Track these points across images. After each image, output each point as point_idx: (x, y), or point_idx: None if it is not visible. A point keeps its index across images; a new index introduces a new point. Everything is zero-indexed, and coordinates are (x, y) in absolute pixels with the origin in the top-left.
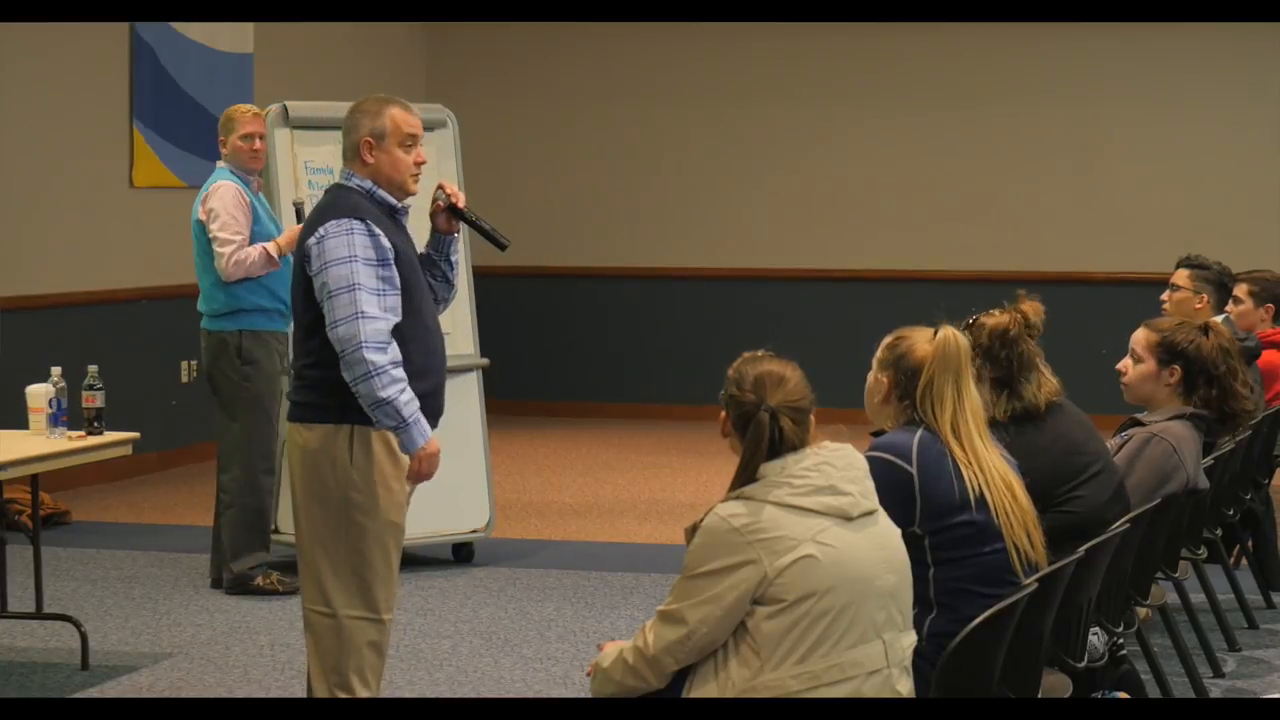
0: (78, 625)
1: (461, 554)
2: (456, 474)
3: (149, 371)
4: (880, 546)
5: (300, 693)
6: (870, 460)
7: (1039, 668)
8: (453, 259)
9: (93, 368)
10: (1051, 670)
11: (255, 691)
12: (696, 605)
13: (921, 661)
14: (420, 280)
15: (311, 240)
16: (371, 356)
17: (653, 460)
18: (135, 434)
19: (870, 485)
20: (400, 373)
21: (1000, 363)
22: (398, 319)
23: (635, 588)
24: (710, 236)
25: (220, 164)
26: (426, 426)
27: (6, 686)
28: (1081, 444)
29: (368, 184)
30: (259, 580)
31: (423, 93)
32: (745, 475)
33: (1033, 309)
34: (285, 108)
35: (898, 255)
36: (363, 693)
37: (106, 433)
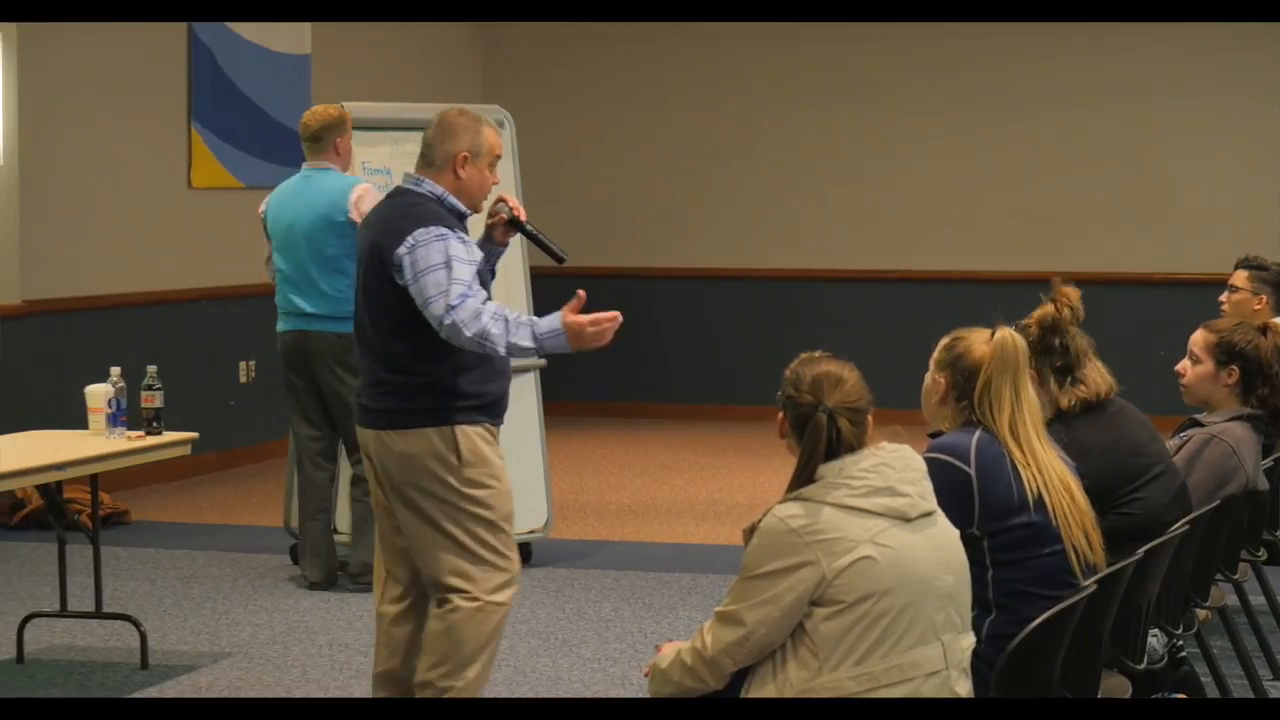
0: (137, 625)
1: (520, 554)
2: (515, 475)
3: (207, 372)
4: (939, 548)
5: (358, 692)
6: (928, 461)
7: (1098, 669)
8: (494, 269)
9: (152, 368)
10: (1111, 672)
11: (314, 691)
12: (755, 606)
13: (980, 663)
14: (488, 284)
15: (402, 249)
16: (484, 327)
17: (710, 461)
18: (194, 434)
19: (928, 486)
20: (518, 315)
21: (1057, 351)
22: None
23: (693, 588)
24: (769, 237)
25: (329, 164)
26: (543, 327)
27: (67, 685)
28: (1143, 445)
29: (439, 190)
30: None
31: (479, 93)
32: (803, 476)
33: (1072, 293)
34: (343, 108)
35: (956, 256)
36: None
37: (165, 433)
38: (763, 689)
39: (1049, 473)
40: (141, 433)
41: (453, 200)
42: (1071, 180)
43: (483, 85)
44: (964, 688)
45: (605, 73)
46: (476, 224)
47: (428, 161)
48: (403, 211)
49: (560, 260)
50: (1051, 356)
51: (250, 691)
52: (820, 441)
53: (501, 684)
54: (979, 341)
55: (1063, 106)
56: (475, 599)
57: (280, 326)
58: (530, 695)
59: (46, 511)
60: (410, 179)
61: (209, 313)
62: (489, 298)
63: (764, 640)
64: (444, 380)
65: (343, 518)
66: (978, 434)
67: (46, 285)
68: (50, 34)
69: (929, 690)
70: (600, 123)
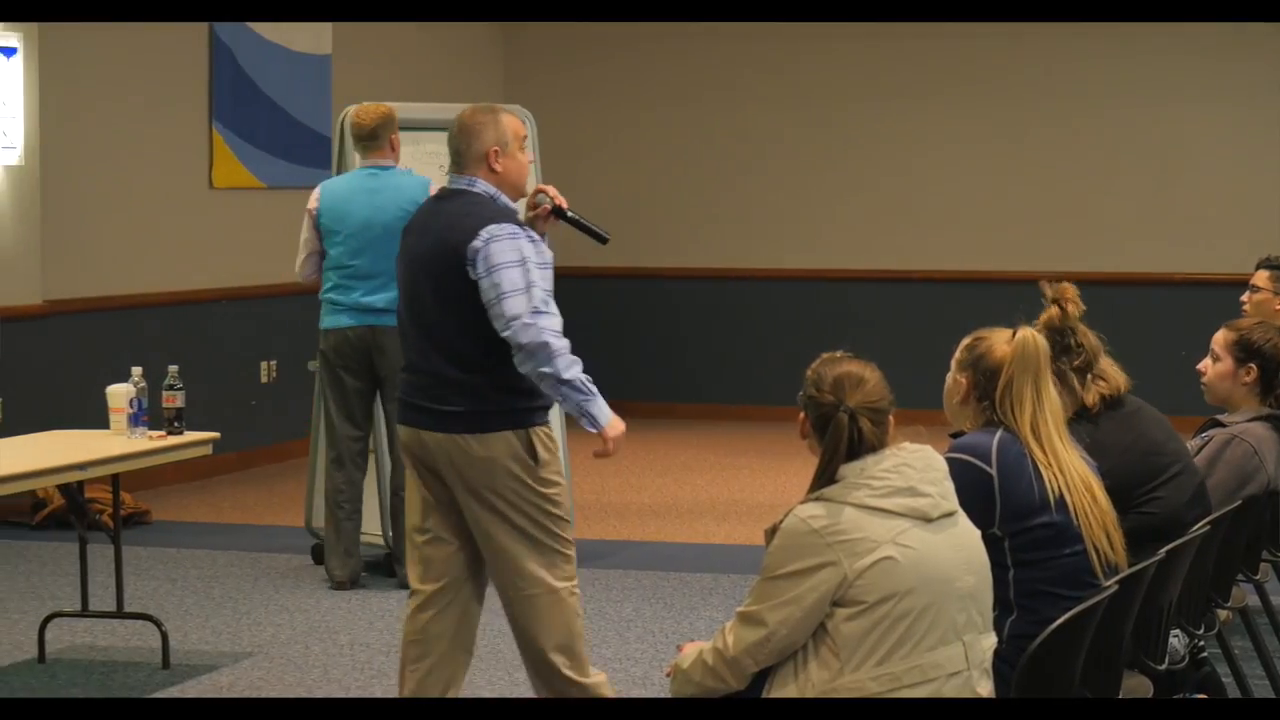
0: (158, 624)
1: None
2: None
3: (229, 372)
4: (960, 548)
5: (379, 692)
6: (950, 461)
7: (1119, 670)
8: None
9: (173, 368)
10: (1132, 672)
11: (335, 691)
12: (776, 607)
13: (1001, 663)
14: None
15: (477, 243)
16: (551, 340)
17: (731, 461)
18: (215, 434)
19: (950, 487)
20: (576, 357)
21: (1073, 350)
22: (561, 320)
23: (714, 588)
24: (790, 237)
25: (388, 162)
26: (594, 388)
27: (88, 685)
28: (1161, 444)
29: (491, 189)
30: None
31: (500, 93)
32: (824, 477)
33: (1069, 289)
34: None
35: (977, 256)
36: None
37: (186, 432)
38: (784, 689)
39: (1070, 473)
40: (163, 432)
41: (504, 199)
42: (1094, 181)
43: (503, 85)
44: (985, 688)
45: (625, 72)
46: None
47: (461, 166)
48: (468, 209)
49: (604, 241)
50: (1069, 356)
51: (272, 691)
52: (842, 442)
53: (523, 684)
54: (1000, 342)
55: (1086, 108)
56: (553, 589)
57: (336, 323)
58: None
59: (68, 511)
60: (461, 180)
61: (230, 313)
62: None
63: (785, 641)
64: (517, 380)
65: (371, 518)
66: (999, 434)
67: (68, 285)
68: (71, 34)
69: (950, 690)
70: (620, 122)
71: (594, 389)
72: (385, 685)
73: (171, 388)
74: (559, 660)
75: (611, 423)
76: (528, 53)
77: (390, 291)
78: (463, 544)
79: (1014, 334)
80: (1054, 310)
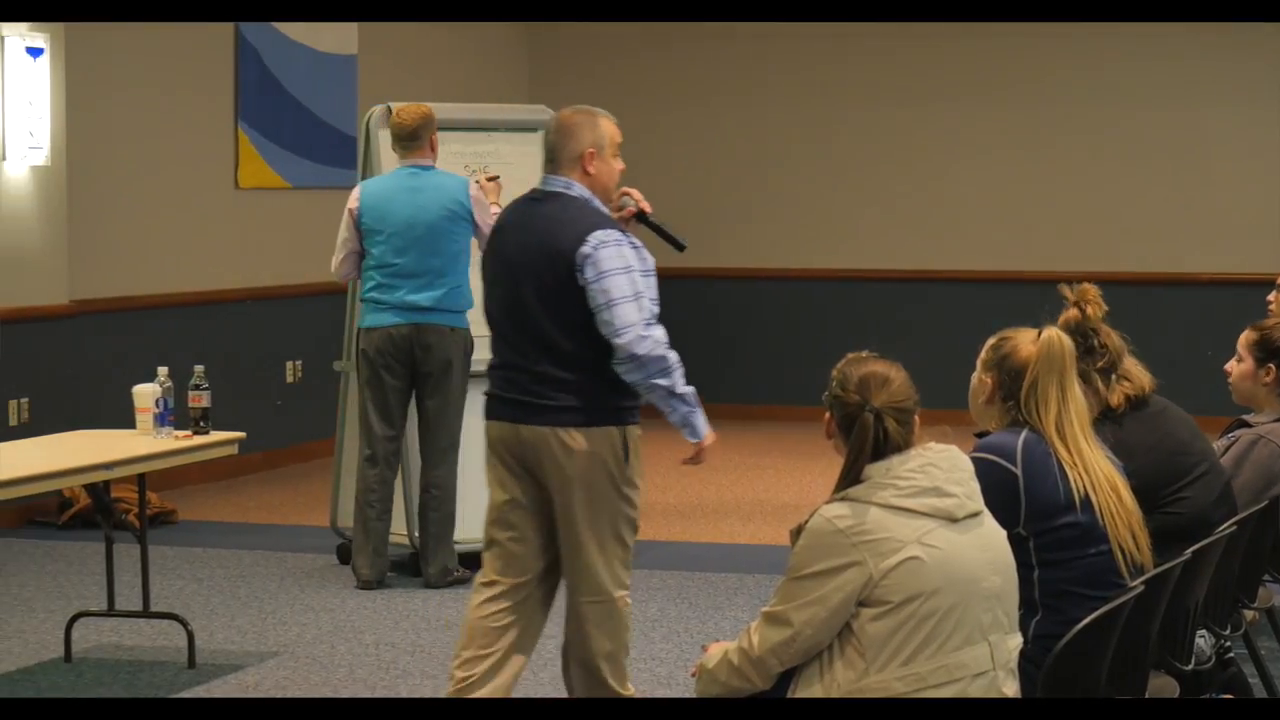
0: (184, 624)
1: None
2: None
3: (254, 371)
4: (985, 548)
5: (404, 692)
6: (975, 461)
7: (1146, 670)
8: None
9: (199, 368)
10: (1158, 673)
11: (360, 691)
12: (802, 607)
13: (1027, 664)
14: None
15: (586, 249)
16: (666, 353)
17: (756, 461)
18: (241, 434)
19: (975, 487)
20: (678, 366)
21: (1096, 351)
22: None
23: (739, 588)
24: (815, 237)
25: (428, 161)
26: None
27: (114, 685)
28: (1187, 444)
29: (587, 192)
30: (457, 572)
31: (525, 93)
32: (850, 477)
33: (1091, 290)
34: (390, 109)
35: (1002, 256)
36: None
37: (212, 432)
38: (809, 689)
39: (1096, 472)
40: (189, 432)
41: (598, 204)
42: (1121, 181)
43: (528, 85)
44: (1011, 688)
45: (651, 73)
46: None
47: (556, 165)
48: (570, 213)
49: (681, 248)
50: (1093, 358)
51: (297, 691)
52: (867, 441)
53: (548, 684)
54: (1025, 341)
55: (1112, 108)
56: (610, 597)
57: (379, 321)
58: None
59: (94, 511)
60: (557, 181)
61: (256, 313)
62: None
63: (811, 641)
64: (618, 379)
65: (398, 518)
66: (1024, 434)
67: (94, 285)
68: (97, 35)
69: (976, 691)
70: (646, 123)
71: (697, 400)
72: (411, 685)
73: (197, 387)
74: (604, 667)
75: (709, 433)
76: (552, 53)
77: (434, 290)
78: (545, 545)
79: (1039, 334)
80: (1073, 312)
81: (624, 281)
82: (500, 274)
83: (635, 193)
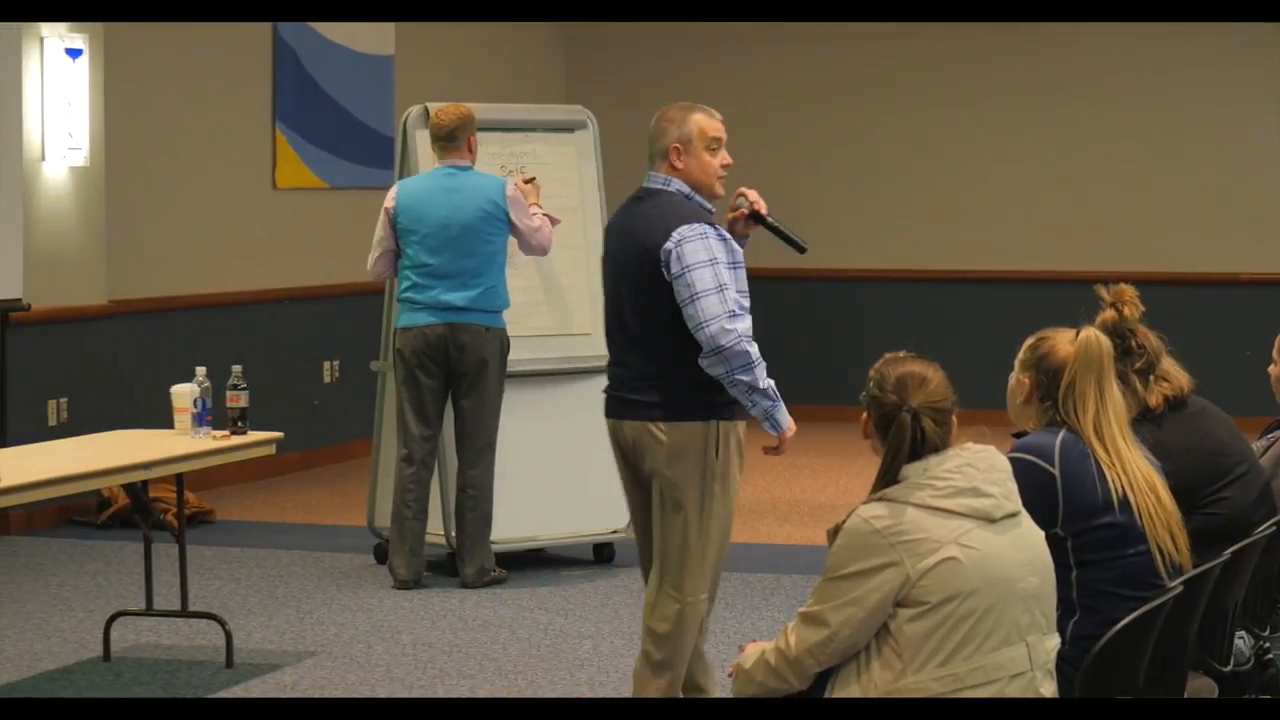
0: (222, 623)
1: (602, 554)
2: (596, 475)
3: (292, 371)
4: (1023, 548)
5: (442, 692)
6: (1013, 461)
7: (1184, 671)
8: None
9: (237, 368)
10: (1197, 674)
11: (397, 691)
12: (839, 607)
13: (1065, 664)
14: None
15: (670, 245)
16: (749, 348)
17: (793, 461)
18: (278, 434)
19: (1013, 487)
20: (763, 361)
21: (1134, 352)
22: (750, 319)
23: (776, 589)
24: (855, 237)
25: (465, 162)
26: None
27: (153, 684)
28: (1227, 445)
29: (685, 188)
30: (494, 572)
31: (563, 94)
32: (887, 477)
33: (1128, 291)
34: (427, 109)
35: (1041, 256)
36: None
37: (250, 432)
38: (847, 689)
39: (1134, 473)
40: (226, 432)
41: (699, 198)
42: (1159, 181)
43: (566, 86)
44: (1049, 689)
45: (687, 73)
46: None
47: (653, 163)
48: (662, 210)
49: (801, 250)
50: (1131, 358)
51: (334, 691)
52: (904, 442)
53: (584, 684)
54: (1063, 342)
55: (1149, 108)
56: (678, 599)
57: (414, 321)
58: (613, 695)
59: (133, 511)
60: (656, 179)
61: (293, 313)
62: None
63: (848, 641)
64: (709, 375)
65: (434, 518)
66: (1062, 434)
67: (132, 285)
68: (136, 35)
69: (1014, 691)
70: None
71: (777, 395)
72: (448, 685)
73: (235, 388)
74: (651, 652)
75: (790, 425)
76: (590, 53)
77: (469, 290)
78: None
79: (1077, 334)
80: (1110, 313)
81: (708, 274)
82: (607, 274)
83: (751, 193)
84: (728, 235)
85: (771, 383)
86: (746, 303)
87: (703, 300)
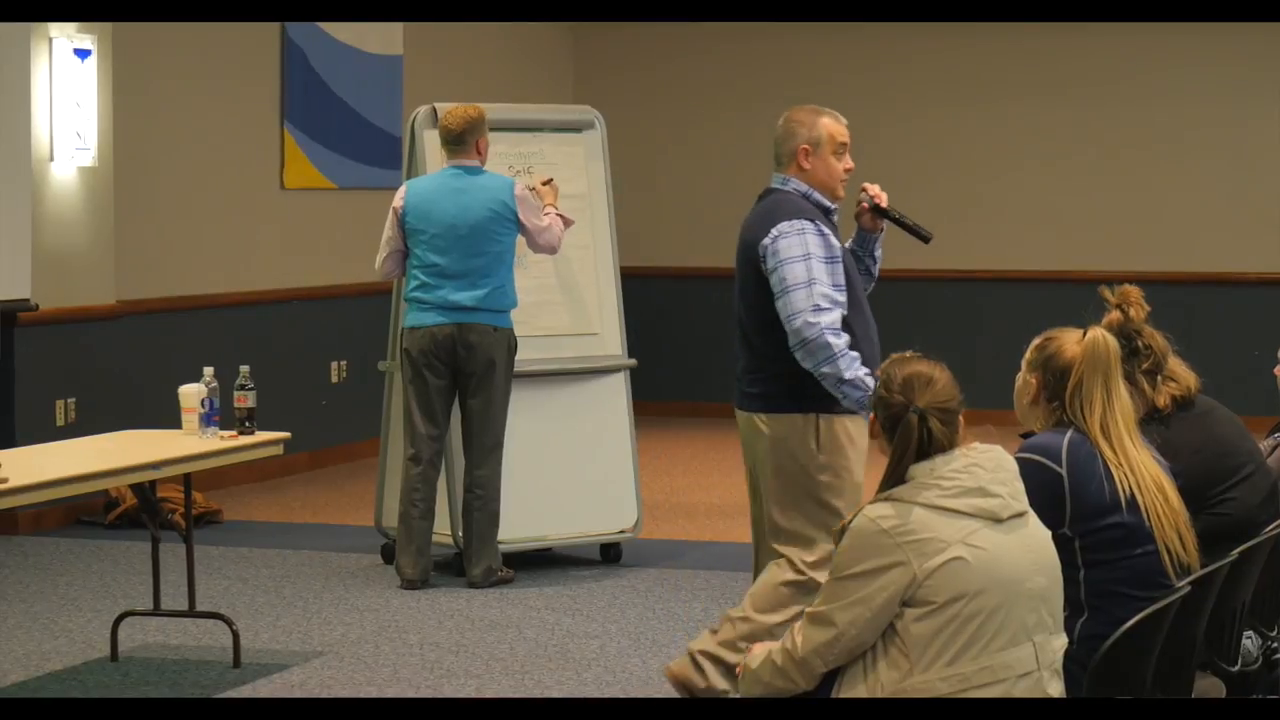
0: (230, 623)
1: (609, 554)
2: (604, 474)
3: (300, 372)
4: (1030, 549)
5: (449, 692)
6: (1020, 461)
7: (1192, 671)
8: (876, 254)
9: (244, 368)
10: (1204, 674)
11: (405, 691)
12: (845, 607)
13: (1072, 664)
14: (856, 275)
15: (766, 240)
16: (832, 339)
17: None
18: (286, 434)
19: (1020, 487)
20: (856, 353)
21: (1141, 352)
22: (845, 311)
23: None
24: None
25: (474, 163)
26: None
27: (160, 684)
28: (1234, 445)
29: (804, 187)
30: (501, 572)
31: (570, 93)
32: (894, 477)
33: (1133, 291)
34: (435, 109)
35: (1048, 256)
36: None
37: (258, 432)
38: (853, 690)
39: (1141, 472)
40: (234, 432)
41: (817, 196)
42: (1168, 180)
43: (574, 85)
44: (1056, 689)
45: (697, 73)
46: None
47: (778, 162)
48: (770, 208)
49: (926, 240)
50: (1138, 359)
51: (342, 691)
52: (911, 442)
53: (591, 684)
54: (1070, 342)
55: (1156, 108)
56: (801, 571)
57: (422, 320)
58: (620, 695)
59: (140, 511)
60: (776, 178)
61: (301, 313)
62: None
63: (855, 641)
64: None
65: (442, 518)
66: (1069, 434)
67: (140, 286)
68: (144, 35)
69: (1021, 691)
70: (691, 122)
71: (871, 382)
72: (455, 685)
73: (243, 388)
74: (749, 615)
75: None
76: (598, 53)
77: (477, 290)
78: None
79: (1084, 334)
80: (1115, 314)
81: (800, 269)
82: (736, 271)
83: (873, 188)
84: (828, 231)
85: (863, 372)
86: (841, 297)
87: (791, 294)
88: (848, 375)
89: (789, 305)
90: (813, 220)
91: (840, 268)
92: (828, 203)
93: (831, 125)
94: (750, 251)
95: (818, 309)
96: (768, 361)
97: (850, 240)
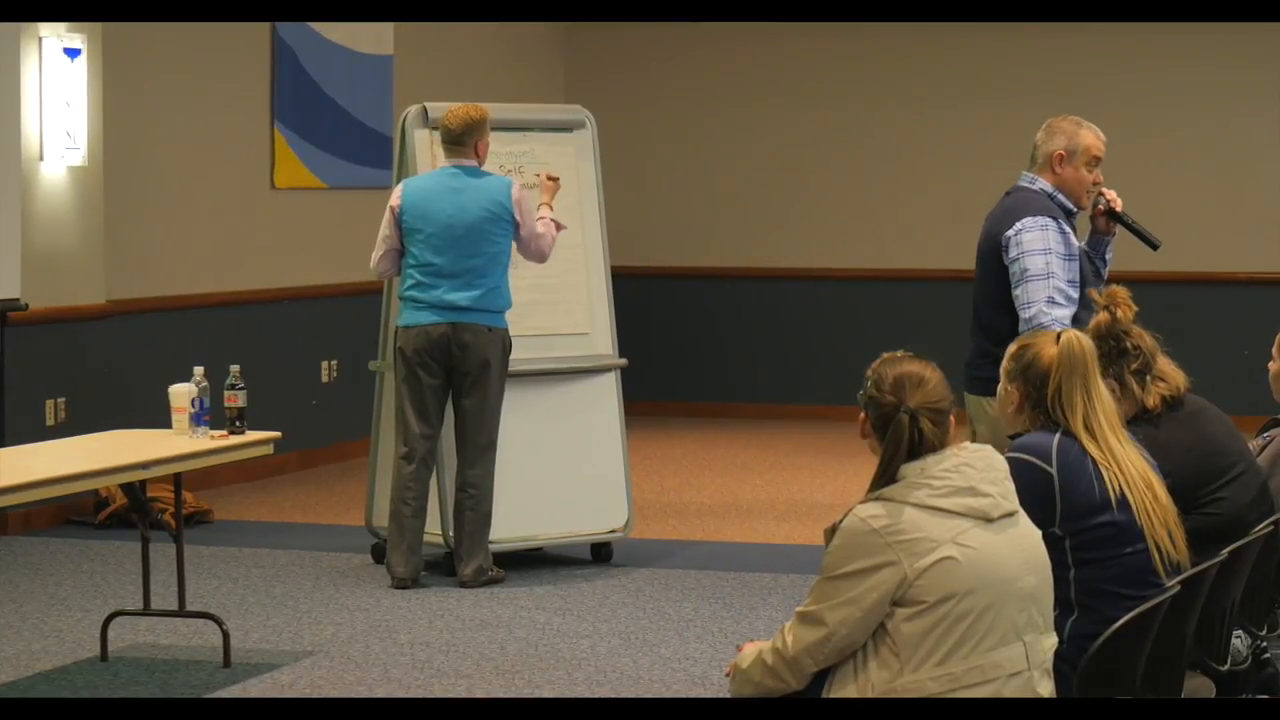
0: (220, 623)
1: (600, 554)
2: (595, 474)
3: (290, 371)
4: (1021, 548)
5: (440, 691)
6: (1010, 461)
7: (1181, 670)
8: (1106, 256)
9: (234, 367)
10: (1194, 673)
11: (395, 691)
12: (836, 607)
13: (1062, 664)
14: (1090, 276)
15: (1010, 232)
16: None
17: (791, 461)
18: (277, 433)
19: (1010, 487)
20: None
21: (1129, 353)
22: (1076, 307)
23: (774, 588)
24: (849, 236)
25: (472, 163)
26: None
27: (150, 684)
28: (1224, 445)
29: (1050, 188)
30: (492, 572)
31: (561, 93)
32: (885, 476)
33: (1120, 292)
34: (425, 109)
35: None
36: None
37: (248, 432)
38: (844, 689)
39: (1130, 470)
40: (224, 432)
41: (1061, 197)
42: (1157, 180)
43: (564, 85)
44: (1046, 688)
45: (687, 72)
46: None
47: (1034, 161)
48: (1016, 203)
49: (1155, 247)
50: (1126, 360)
51: (332, 690)
52: (902, 442)
53: (582, 683)
54: (1046, 347)
55: (1146, 107)
56: None
57: (416, 319)
58: (610, 695)
59: (130, 510)
60: (1025, 176)
61: (292, 313)
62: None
63: (845, 640)
64: None
65: (432, 517)
66: (1059, 434)
67: (130, 285)
68: (134, 35)
69: (1011, 691)
70: (682, 122)
71: None
72: (445, 684)
73: (233, 387)
74: None
75: None
76: (588, 53)
77: (472, 290)
78: None
79: (1058, 338)
80: (1104, 315)
81: (1039, 261)
82: (976, 262)
83: (1109, 192)
84: (1069, 230)
85: None
86: (1075, 294)
87: (1029, 284)
88: None
89: (1026, 294)
90: (1055, 219)
91: (1076, 265)
92: (1070, 204)
93: (1090, 139)
94: (993, 242)
95: (1052, 301)
96: (1001, 346)
97: (1084, 241)
